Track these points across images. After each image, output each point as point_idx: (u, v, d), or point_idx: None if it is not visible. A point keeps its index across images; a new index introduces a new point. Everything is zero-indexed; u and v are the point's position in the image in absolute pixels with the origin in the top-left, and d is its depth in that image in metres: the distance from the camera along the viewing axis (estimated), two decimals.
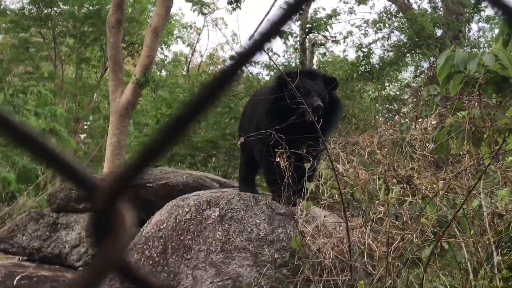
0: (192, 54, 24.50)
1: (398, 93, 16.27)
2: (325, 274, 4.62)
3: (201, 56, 26.41)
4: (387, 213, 4.28)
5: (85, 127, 25.97)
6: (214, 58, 24.97)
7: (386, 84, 15.92)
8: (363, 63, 15.48)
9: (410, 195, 4.62)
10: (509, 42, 5.83)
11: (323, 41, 13.37)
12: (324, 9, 13.97)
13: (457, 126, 5.36)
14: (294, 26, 13.64)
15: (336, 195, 5.01)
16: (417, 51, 15.13)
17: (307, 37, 13.03)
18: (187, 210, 5.34)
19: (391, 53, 16.14)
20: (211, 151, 14.50)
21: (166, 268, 5.01)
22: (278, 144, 4.45)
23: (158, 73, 22.66)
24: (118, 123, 13.21)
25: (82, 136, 27.61)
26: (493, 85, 5.43)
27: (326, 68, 14.16)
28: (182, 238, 5.14)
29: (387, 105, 14.86)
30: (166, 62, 25.69)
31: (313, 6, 13.68)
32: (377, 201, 4.48)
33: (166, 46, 25.05)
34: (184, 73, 22.59)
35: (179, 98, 14.66)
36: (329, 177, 5.07)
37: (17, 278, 5.56)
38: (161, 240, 5.21)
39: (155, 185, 6.64)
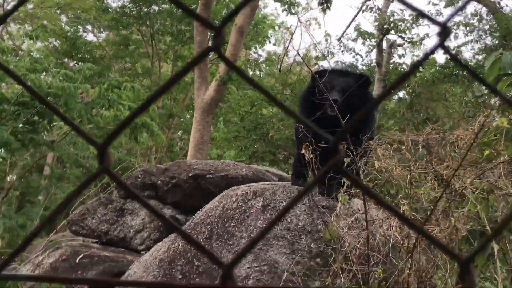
0: (285, 54, 24.82)
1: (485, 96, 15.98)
2: (355, 264, 4.81)
3: (298, 55, 26.70)
4: (410, 207, 4.43)
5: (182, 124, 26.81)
6: (307, 58, 25.19)
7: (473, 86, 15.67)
8: (451, 65, 15.33)
9: (439, 191, 4.74)
10: None
11: (401, 43, 13.39)
12: (402, 10, 14.01)
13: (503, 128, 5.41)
14: (371, 27, 13.78)
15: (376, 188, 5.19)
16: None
17: (384, 38, 13.10)
18: (234, 199, 5.65)
19: (479, 56, 15.89)
20: (292, 149, 14.79)
21: None
22: (307, 139, 4.68)
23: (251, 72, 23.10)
24: (202, 119, 13.69)
25: (180, 132, 28.56)
26: None
27: (403, 69, 14.14)
28: (226, 225, 5.45)
29: (472, 108, 14.65)
30: (259, 62, 26.15)
31: (391, 7, 13.69)
32: (400, 195, 4.63)
33: (260, 45, 25.52)
34: (275, 70, 22.94)
35: (262, 97, 15.02)
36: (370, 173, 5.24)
37: (80, 256, 6.04)
38: (208, 227, 5.54)
39: (215, 176, 6.99)
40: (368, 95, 5.52)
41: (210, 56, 20.18)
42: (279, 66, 24.36)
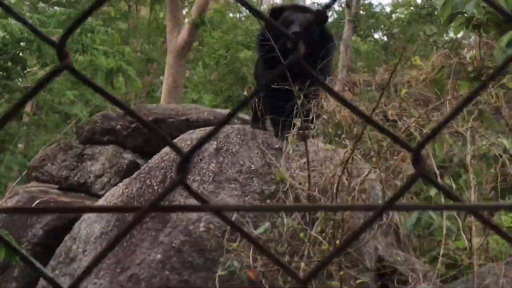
0: None
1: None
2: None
3: None
4: (355, 148, 4.41)
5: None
6: None
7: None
8: (426, 5, 15.18)
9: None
10: None
11: None
12: None
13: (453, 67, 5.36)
14: None
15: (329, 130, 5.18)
16: None
17: None
18: (189, 143, 5.60)
19: None
20: None
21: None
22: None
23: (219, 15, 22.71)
24: (174, 63, 13.55)
25: (161, 77, 28.30)
26: (495, 26, 5.36)
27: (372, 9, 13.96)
28: None
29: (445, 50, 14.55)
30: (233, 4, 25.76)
31: None
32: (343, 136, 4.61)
33: None
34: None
35: (237, 40, 14.85)
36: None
37: (36, 202, 6.02)
38: (162, 171, 5.51)
39: (175, 120, 6.93)
40: (326, 30, 5.43)
41: None
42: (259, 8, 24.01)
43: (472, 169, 5.26)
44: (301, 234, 4.45)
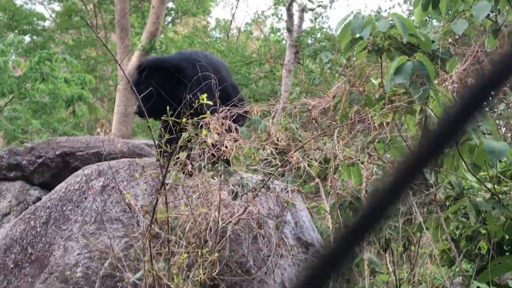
0: (231, 22, 24.29)
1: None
2: (187, 248, 4.48)
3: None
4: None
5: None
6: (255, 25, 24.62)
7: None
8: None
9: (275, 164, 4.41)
10: (428, 5, 5.48)
11: (312, 7, 12.81)
12: None
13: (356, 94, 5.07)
14: None
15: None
16: None
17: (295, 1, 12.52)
18: (78, 179, 5.27)
19: None
20: None
21: (43, 238, 4.96)
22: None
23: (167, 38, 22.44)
24: (125, 90, 13.25)
25: None
26: (398, 51, 5.08)
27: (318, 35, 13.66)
28: (64, 208, 5.07)
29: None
30: (208, 29, 25.61)
31: None
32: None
33: (207, 13, 24.95)
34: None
35: None
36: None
37: None
38: (47, 210, 5.16)
39: (85, 153, 6.59)
40: (186, 78, 5.19)
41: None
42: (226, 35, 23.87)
43: None
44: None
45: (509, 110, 5.94)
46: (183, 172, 4.74)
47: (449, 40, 5.72)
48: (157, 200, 4.09)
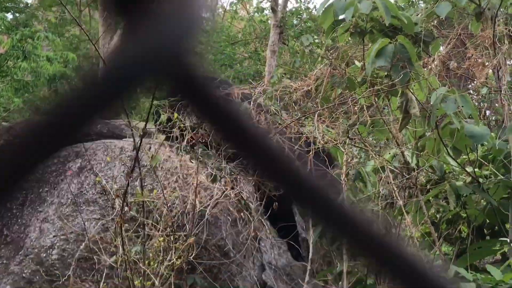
0: (217, 1, 23.97)
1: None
2: (166, 229, 4.43)
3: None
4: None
5: None
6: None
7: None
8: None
9: None
10: None
11: None
12: None
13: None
14: None
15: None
16: None
17: None
18: (55, 161, 5.18)
19: None
20: None
21: (19, 220, 4.88)
22: None
23: None
24: None
25: None
26: (381, 34, 5.01)
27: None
28: (40, 190, 4.99)
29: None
30: None
31: None
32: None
33: None
34: None
35: None
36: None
37: None
38: (23, 192, 5.08)
39: None
40: None
41: None
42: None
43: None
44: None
45: (490, 94, 5.90)
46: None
47: (433, 22, 5.66)
48: (128, 184, 4.01)
